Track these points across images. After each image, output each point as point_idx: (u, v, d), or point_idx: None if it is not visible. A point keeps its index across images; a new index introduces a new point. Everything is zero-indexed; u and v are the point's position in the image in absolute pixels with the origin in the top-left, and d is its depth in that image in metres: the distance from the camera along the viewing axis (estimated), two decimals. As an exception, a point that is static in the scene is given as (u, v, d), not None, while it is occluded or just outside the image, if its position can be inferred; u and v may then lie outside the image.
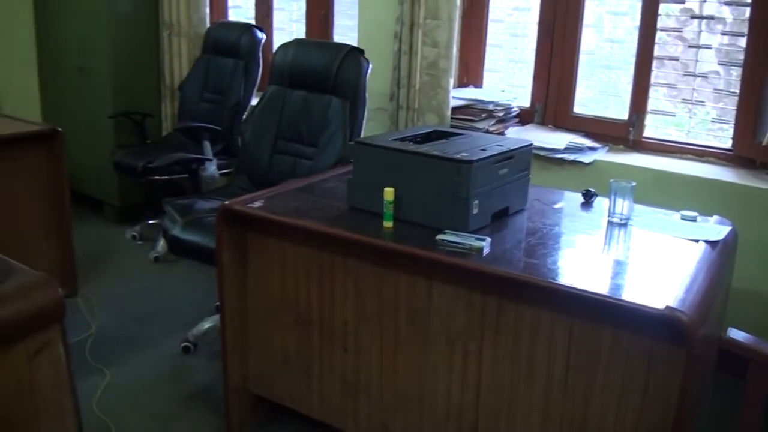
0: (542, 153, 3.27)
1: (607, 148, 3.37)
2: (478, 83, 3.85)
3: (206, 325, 3.15)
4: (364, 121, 3.20)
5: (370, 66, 3.20)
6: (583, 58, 3.49)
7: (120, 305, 3.60)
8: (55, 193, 3.51)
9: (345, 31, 4.31)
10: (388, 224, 2.12)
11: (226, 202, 2.23)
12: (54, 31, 4.89)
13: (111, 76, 4.55)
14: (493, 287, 1.92)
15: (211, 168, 3.86)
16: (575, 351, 1.84)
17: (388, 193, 2.10)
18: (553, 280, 1.81)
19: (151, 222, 4.48)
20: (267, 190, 2.46)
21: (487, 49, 3.81)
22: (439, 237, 1.99)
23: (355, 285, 2.16)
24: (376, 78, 3.39)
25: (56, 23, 4.85)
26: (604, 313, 1.76)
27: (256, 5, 4.68)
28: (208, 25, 4.67)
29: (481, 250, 1.94)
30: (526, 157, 2.35)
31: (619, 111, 3.41)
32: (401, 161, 2.14)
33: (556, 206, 2.45)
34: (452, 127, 3.40)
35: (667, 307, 1.62)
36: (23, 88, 5.04)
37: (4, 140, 3.32)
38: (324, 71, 3.19)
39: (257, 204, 2.28)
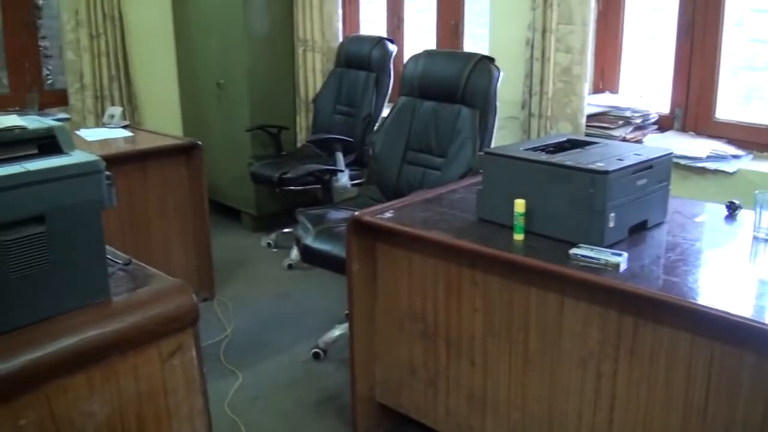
0: (683, 162, 3.09)
1: (752, 156, 3.14)
2: (614, 89, 3.70)
3: (336, 332, 3.19)
4: (495, 131, 3.15)
5: (501, 74, 3.14)
6: (726, 60, 3.26)
7: (254, 310, 3.72)
8: (195, 202, 3.68)
9: (476, 39, 4.27)
10: (518, 237, 2.06)
11: (356, 213, 2.25)
12: (194, 49, 5.15)
13: (248, 91, 4.73)
14: (629, 305, 1.82)
15: (343, 178, 3.92)
16: (715, 377, 1.71)
17: (519, 204, 2.05)
18: (693, 300, 1.70)
19: (285, 231, 4.61)
20: (396, 201, 2.46)
21: (624, 52, 3.66)
22: (573, 251, 1.91)
23: (484, 298, 2.11)
24: (507, 86, 3.33)
25: (196, 41, 5.11)
26: (748, 338, 1.63)
27: (387, 18, 4.73)
28: (340, 39, 4.77)
29: (617, 265, 1.85)
30: (665, 166, 2.22)
31: (766, 115, 3.17)
32: (533, 172, 2.08)
33: (698, 219, 2.30)
34: (587, 135, 3.29)
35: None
36: (165, 104, 5.34)
37: (148, 153, 3.52)
38: (453, 81, 3.16)
39: (386, 215, 2.28)
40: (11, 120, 1.53)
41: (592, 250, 1.91)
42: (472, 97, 3.11)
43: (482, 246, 2.04)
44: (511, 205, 2.06)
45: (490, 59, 3.16)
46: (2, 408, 1.34)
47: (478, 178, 2.50)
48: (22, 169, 1.36)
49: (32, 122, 1.54)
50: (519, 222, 2.05)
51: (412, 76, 3.31)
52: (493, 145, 3.12)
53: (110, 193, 1.48)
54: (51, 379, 1.40)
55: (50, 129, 1.51)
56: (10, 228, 1.35)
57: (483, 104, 3.09)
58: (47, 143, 1.51)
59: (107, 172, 1.46)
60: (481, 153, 2.20)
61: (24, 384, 1.36)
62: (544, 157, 2.13)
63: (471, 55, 3.21)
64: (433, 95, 3.24)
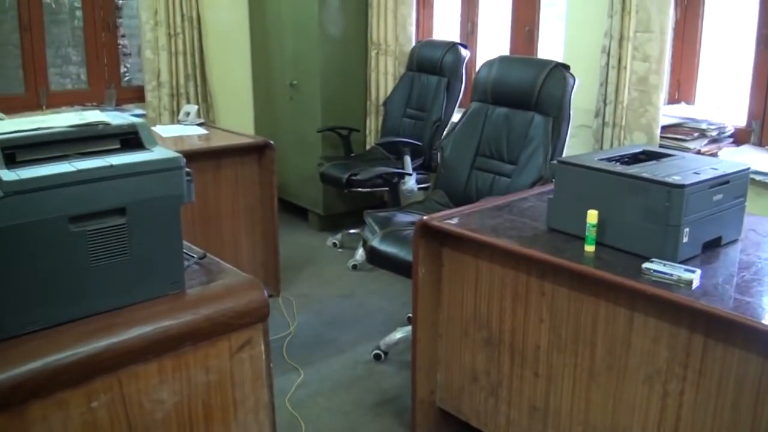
0: (759, 177, 2.99)
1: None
2: (690, 100, 3.60)
3: (398, 335, 3.20)
4: (567, 139, 3.11)
5: (576, 82, 3.10)
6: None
7: (318, 308, 3.76)
8: (265, 200, 3.75)
9: (550, 46, 4.23)
10: (589, 248, 2.03)
11: (424, 217, 2.25)
12: (269, 49, 5.24)
13: (320, 92, 4.79)
14: (700, 324, 1.78)
15: (411, 182, 3.93)
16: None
17: (592, 215, 2.02)
18: (766, 323, 1.64)
19: (351, 231, 4.65)
20: (465, 206, 2.45)
21: (701, 62, 3.56)
22: (645, 266, 1.87)
23: (551, 309, 2.09)
24: (581, 94, 3.29)
25: (271, 42, 5.20)
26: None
27: (460, 23, 4.72)
28: (413, 43, 4.78)
29: (690, 282, 1.80)
30: (742, 182, 2.15)
31: None
32: (607, 183, 2.04)
33: (775, 238, 2.23)
34: (661, 146, 3.21)
35: None
36: (238, 103, 5.45)
37: (221, 151, 3.61)
38: (527, 88, 3.13)
39: (454, 220, 2.28)
40: (95, 115, 1.58)
41: (664, 265, 1.87)
42: (546, 105, 3.08)
43: (552, 256, 2.01)
44: (583, 215, 2.03)
45: (566, 66, 3.13)
46: (76, 389, 1.39)
47: (549, 187, 2.48)
48: (106, 164, 1.40)
49: (115, 118, 1.59)
50: (591, 233, 2.03)
51: (486, 81, 3.29)
52: (564, 153, 3.08)
53: (189, 188, 1.51)
54: (124, 365, 1.45)
55: (133, 125, 1.56)
56: (92, 219, 1.40)
57: (557, 112, 3.06)
58: (129, 139, 1.56)
59: (187, 169, 1.50)
60: (554, 162, 2.18)
61: (98, 368, 1.41)
62: (619, 168, 2.10)
63: (546, 62, 3.18)
64: (505, 101, 3.22)
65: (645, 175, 1.99)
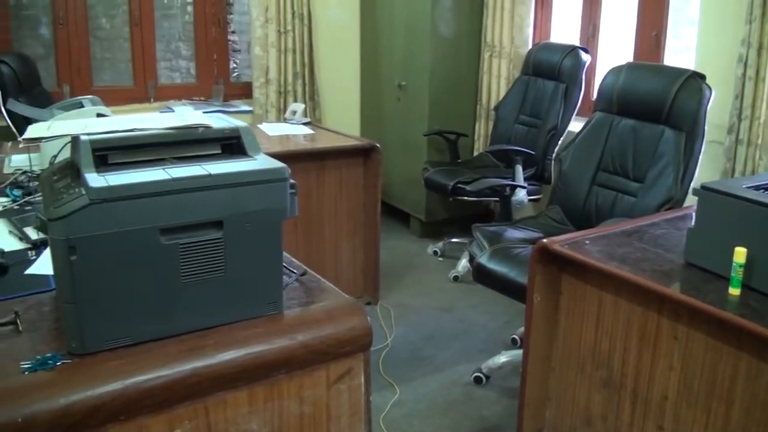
0: None
1: None
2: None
3: (502, 358, 2.99)
4: (700, 157, 2.83)
5: (713, 94, 2.81)
6: None
7: (416, 321, 3.60)
8: (368, 205, 3.63)
9: (676, 53, 3.92)
10: (734, 291, 1.76)
11: (545, 241, 2.04)
12: (378, 49, 5.13)
13: (429, 95, 4.63)
14: None
15: (521, 193, 3.71)
16: None
17: (740, 254, 1.75)
18: None
19: (453, 240, 4.46)
20: (589, 230, 2.22)
21: None
22: (804, 316, 1.61)
23: (684, 356, 1.83)
24: (713, 107, 2.99)
25: (381, 41, 5.08)
26: None
27: (581, 25, 4.45)
28: (530, 46, 4.55)
29: None
30: None
31: None
32: (761, 217, 1.77)
33: None
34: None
35: None
36: (345, 102, 5.37)
37: (326, 152, 3.51)
38: (658, 99, 2.86)
39: (578, 245, 2.06)
40: (197, 117, 1.47)
41: (828, 317, 1.60)
42: (679, 118, 2.80)
43: (689, 297, 1.76)
44: (729, 252, 1.77)
45: (701, 76, 2.84)
46: (159, 415, 1.28)
47: (683, 212, 2.22)
48: (204, 172, 1.28)
49: (218, 121, 1.47)
50: (737, 274, 1.76)
51: (612, 90, 3.04)
52: (696, 173, 2.80)
53: (293, 202, 1.37)
54: (212, 391, 1.33)
55: (236, 129, 1.43)
56: (185, 231, 1.28)
57: (690, 126, 2.78)
58: (231, 144, 1.44)
59: (291, 181, 1.36)
60: (698, 188, 1.92)
61: (184, 393, 1.29)
62: (777, 199, 1.82)
63: (679, 71, 2.89)
64: (633, 113, 2.96)
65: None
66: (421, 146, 4.68)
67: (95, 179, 1.22)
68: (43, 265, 1.71)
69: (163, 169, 1.28)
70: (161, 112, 4.47)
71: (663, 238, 2.15)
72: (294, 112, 4.19)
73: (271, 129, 3.91)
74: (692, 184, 2.75)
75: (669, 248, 2.05)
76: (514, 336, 3.32)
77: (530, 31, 4.57)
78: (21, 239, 1.91)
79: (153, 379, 1.26)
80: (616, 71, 3.07)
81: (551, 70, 4.21)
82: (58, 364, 1.26)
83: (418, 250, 4.61)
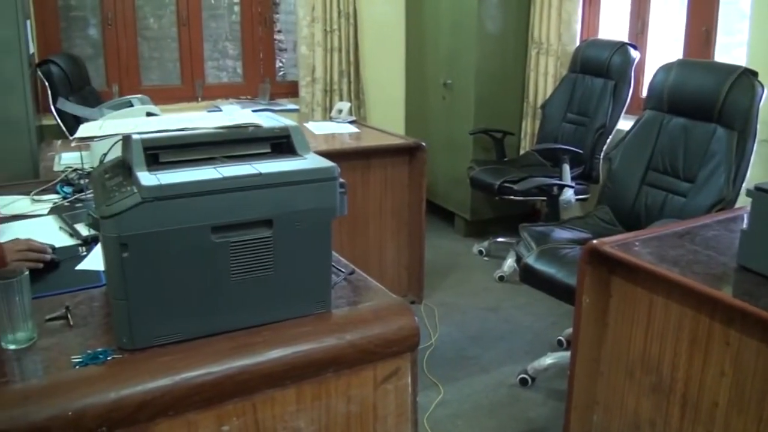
0: None
1: None
2: None
3: (548, 360, 2.95)
4: (752, 156, 2.75)
5: (765, 91, 2.74)
6: None
7: (461, 320, 3.58)
8: (413, 203, 3.62)
9: (728, 48, 3.82)
10: (790, 295, 1.71)
11: (595, 242, 2.00)
12: (424, 47, 5.11)
13: (475, 93, 4.60)
14: None
15: (568, 193, 3.67)
16: None
17: (797, 255, 1.70)
18: None
19: (499, 240, 4.43)
20: (639, 231, 2.18)
21: None
22: None
23: (736, 363, 1.78)
24: (765, 104, 2.91)
25: (427, 39, 5.07)
26: None
27: (630, 21, 4.36)
28: (577, 43, 4.48)
29: None
30: None
31: None
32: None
33: None
34: None
35: None
36: (390, 100, 5.37)
37: (372, 151, 3.51)
38: (710, 96, 2.80)
39: (628, 246, 2.02)
40: (246, 116, 1.48)
41: None
42: (731, 117, 2.74)
43: (742, 301, 1.71)
44: (786, 254, 1.72)
45: (753, 73, 2.77)
46: (207, 411, 1.30)
47: (735, 213, 2.16)
48: (254, 171, 1.29)
49: (267, 120, 1.48)
50: (794, 277, 1.71)
51: (662, 87, 2.98)
52: (748, 174, 2.72)
53: (342, 201, 1.38)
54: (261, 388, 1.34)
55: (285, 128, 1.44)
56: (236, 230, 1.30)
57: (742, 125, 2.71)
58: (281, 143, 1.44)
59: (341, 180, 1.36)
60: (751, 188, 1.87)
61: (233, 390, 1.31)
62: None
63: (732, 68, 2.82)
64: (684, 111, 2.90)
65: None
66: (467, 145, 4.65)
67: (147, 178, 1.23)
68: (94, 260, 1.74)
69: (214, 168, 1.30)
70: (208, 111, 4.54)
71: (715, 240, 2.10)
72: (340, 111, 4.20)
73: (317, 127, 3.93)
74: (744, 185, 2.68)
75: (721, 250, 2.00)
76: (560, 338, 3.28)
77: (578, 27, 4.49)
78: (71, 235, 1.95)
79: (202, 376, 1.27)
80: (666, 68, 3.01)
81: (600, 67, 4.14)
82: (109, 359, 1.28)
83: (462, 250, 4.58)
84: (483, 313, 3.67)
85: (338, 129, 3.90)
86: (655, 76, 3.06)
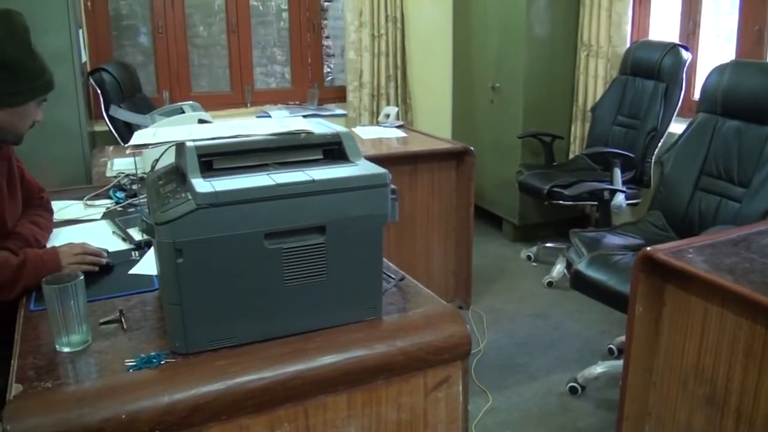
0: None
1: None
2: None
3: (598, 369, 2.90)
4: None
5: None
6: None
7: (509, 326, 3.55)
8: (460, 208, 3.60)
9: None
10: None
11: (648, 249, 1.97)
12: (471, 50, 5.08)
13: (523, 96, 4.55)
14: None
15: (619, 197, 3.60)
16: None
17: None
18: None
19: (547, 245, 4.38)
20: (693, 238, 2.13)
21: None
22: None
23: (795, 372, 1.73)
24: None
25: (474, 42, 5.04)
26: None
27: (680, 21, 4.27)
28: (628, 44, 4.41)
29: None
30: None
31: None
32: None
33: None
34: None
35: None
36: (437, 105, 5.35)
37: (420, 156, 3.50)
38: (764, 98, 2.73)
39: (682, 254, 1.97)
40: (298, 123, 1.49)
41: None
42: (786, 120, 2.67)
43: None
44: None
45: (810, 75, 2.69)
46: (259, 416, 1.31)
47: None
48: (307, 178, 1.30)
49: (319, 126, 1.49)
50: None
51: (716, 89, 2.91)
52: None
53: (394, 207, 1.38)
54: (313, 394, 1.35)
55: (337, 135, 1.45)
56: (289, 236, 1.31)
57: (798, 129, 2.64)
58: (333, 149, 1.45)
59: (393, 186, 1.36)
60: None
61: (285, 395, 1.32)
62: None
63: (788, 69, 2.76)
64: (738, 113, 2.83)
65: None
66: (515, 149, 4.61)
67: (202, 185, 1.25)
68: (147, 265, 1.77)
69: (268, 174, 1.31)
70: (258, 116, 4.59)
71: (774, 247, 2.04)
72: (387, 116, 4.21)
73: (365, 132, 3.94)
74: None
75: (780, 259, 1.95)
76: (611, 346, 3.22)
77: (628, 28, 4.42)
78: (124, 240, 1.99)
79: (255, 381, 1.29)
80: (720, 70, 2.94)
81: (650, 70, 4.06)
82: (162, 362, 1.30)
83: (510, 255, 4.54)
84: (532, 319, 3.64)
85: (386, 133, 3.91)
86: (708, 77, 2.99)
